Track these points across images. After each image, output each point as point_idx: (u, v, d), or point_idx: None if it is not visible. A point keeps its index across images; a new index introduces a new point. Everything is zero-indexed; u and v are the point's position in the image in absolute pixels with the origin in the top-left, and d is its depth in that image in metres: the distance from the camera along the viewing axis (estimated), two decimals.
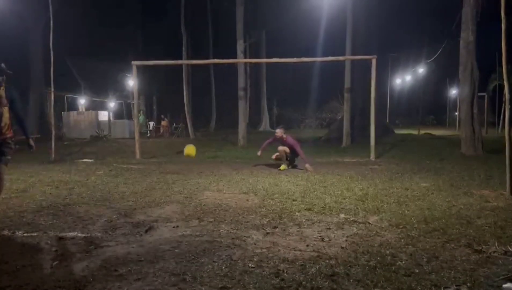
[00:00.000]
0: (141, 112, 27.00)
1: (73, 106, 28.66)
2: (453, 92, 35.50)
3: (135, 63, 12.08)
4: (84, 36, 26.11)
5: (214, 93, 36.10)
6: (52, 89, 11.62)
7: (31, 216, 4.69)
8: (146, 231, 4.08)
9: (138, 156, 11.50)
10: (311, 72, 34.00)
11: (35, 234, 3.99)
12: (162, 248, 3.51)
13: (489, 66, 27.76)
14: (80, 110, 27.74)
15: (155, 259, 3.27)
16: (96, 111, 25.53)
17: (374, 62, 10.97)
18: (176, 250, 3.46)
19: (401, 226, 4.12)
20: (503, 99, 6.50)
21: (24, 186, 6.60)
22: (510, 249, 3.36)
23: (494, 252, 3.32)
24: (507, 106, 5.81)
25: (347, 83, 15.36)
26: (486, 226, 4.07)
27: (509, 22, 6.04)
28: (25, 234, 3.97)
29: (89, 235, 3.95)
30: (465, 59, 11.71)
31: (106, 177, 7.84)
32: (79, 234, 3.97)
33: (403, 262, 3.12)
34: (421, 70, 29.93)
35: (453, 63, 13.64)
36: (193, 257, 3.30)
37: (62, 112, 24.92)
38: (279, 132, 9.03)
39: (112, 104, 29.38)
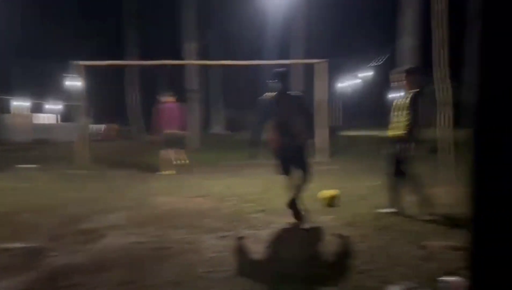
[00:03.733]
0: (87, 114, 25.87)
1: (9, 109, 26.96)
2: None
3: (77, 63, 11.59)
4: (22, 36, 24.67)
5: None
6: None
7: None
8: (94, 239, 3.89)
9: (85, 160, 10.97)
10: (258, 74, 34.16)
11: None
12: (111, 257, 3.35)
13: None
14: (20, 112, 26.19)
15: (102, 268, 3.12)
16: (33, 114, 24.29)
17: (324, 66, 11.22)
18: (125, 258, 3.32)
19: (354, 225, 4.23)
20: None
21: None
22: (449, 244, 3.52)
23: (436, 247, 3.47)
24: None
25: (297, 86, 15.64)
26: (429, 223, 4.25)
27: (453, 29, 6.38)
28: None
29: (32, 245, 3.70)
30: (407, 64, 12.28)
31: (51, 183, 7.42)
32: (21, 245, 3.71)
33: (357, 260, 3.20)
34: (366, 74, 31.07)
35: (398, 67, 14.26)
36: (143, 264, 3.19)
37: None
38: None
39: (58, 106, 28.03)
